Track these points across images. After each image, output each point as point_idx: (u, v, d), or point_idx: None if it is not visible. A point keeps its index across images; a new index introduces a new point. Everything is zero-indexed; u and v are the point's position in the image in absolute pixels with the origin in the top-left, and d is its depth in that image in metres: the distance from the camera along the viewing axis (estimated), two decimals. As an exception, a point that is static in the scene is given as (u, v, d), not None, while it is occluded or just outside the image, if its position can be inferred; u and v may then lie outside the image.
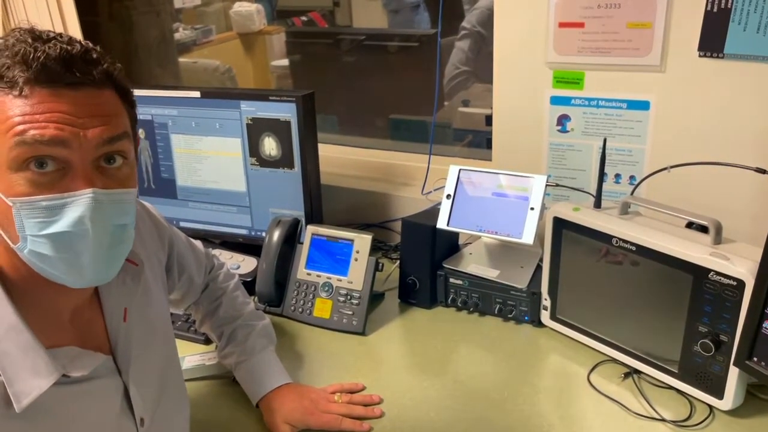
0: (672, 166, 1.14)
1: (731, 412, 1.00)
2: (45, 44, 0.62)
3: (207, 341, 1.25)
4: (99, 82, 0.65)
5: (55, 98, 0.62)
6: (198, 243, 1.16)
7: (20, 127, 0.61)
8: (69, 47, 0.63)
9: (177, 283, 1.06)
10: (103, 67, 0.66)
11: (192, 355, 1.17)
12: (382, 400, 1.08)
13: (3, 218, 0.64)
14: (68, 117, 0.62)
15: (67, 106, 0.62)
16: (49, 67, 0.61)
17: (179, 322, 1.27)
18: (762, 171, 1.05)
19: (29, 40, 0.62)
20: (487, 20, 1.95)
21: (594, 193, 1.15)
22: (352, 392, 1.09)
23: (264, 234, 1.37)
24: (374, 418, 1.04)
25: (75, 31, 1.93)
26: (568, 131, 1.35)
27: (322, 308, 1.29)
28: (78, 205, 0.63)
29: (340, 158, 1.76)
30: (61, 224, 0.63)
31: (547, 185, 1.21)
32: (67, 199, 0.63)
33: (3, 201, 0.63)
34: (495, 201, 1.25)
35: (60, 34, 0.65)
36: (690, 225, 1.06)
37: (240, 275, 1.40)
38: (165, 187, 1.53)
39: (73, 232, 0.63)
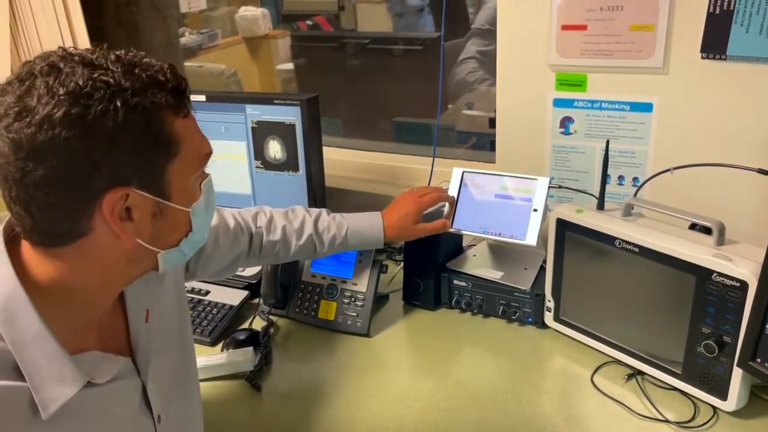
0: (675, 168, 1.14)
1: (735, 413, 1.00)
2: (144, 66, 0.66)
3: (213, 343, 1.26)
4: None
5: (193, 116, 0.72)
6: (227, 215, 1.12)
7: (205, 147, 0.73)
8: (162, 65, 0.69)
9: (199, 270, 1.07)
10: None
11: (199, 357, 1.18)
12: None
13: (168, 229, 0.71)
14: None
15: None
16: (179, 87, 0.68)
17: (185, 324, 1.28)
18: (765, 172, 1.05)
19: (164, 67, 0.67)
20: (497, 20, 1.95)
21: (597, 194, 1.15)
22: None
23: (269, 236, 1.38)
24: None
25: (82, 36, 1.94)
26: (571, 133, 1.35)
27: (327, 310, 1.29)
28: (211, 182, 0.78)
29: (345, 161, 1.76)
30: (214, 198, 0.79)
31: (550, 187, 1.22)
32: (209, 182, 0.77)
33: (179, 211, 0.71)
34: (498, 203, 1.25)
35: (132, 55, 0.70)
36: (693, 226, 1.06)
37: (245, 277, 1.41)
38: (171, 190, 1.54)
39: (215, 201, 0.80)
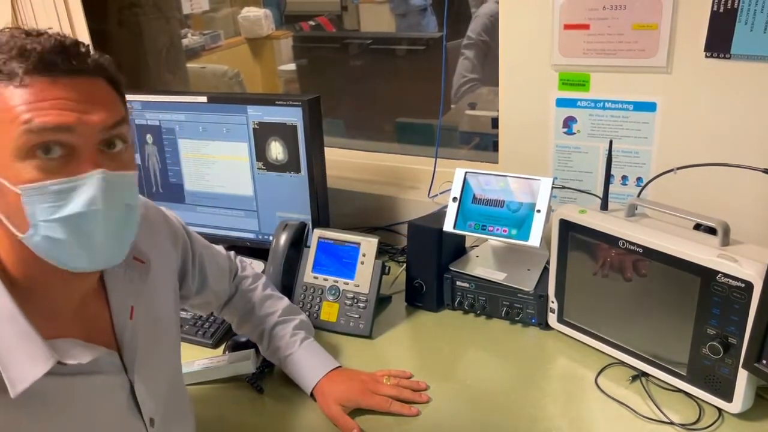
0: (679, 168, 1.13)
1: (740, 415, 0.99)
2: (39, 37, 0.65)
3: (215, 345, 1.26)
4: (93, 71, 0.68)
5: (54, 86, 0.64)
6: (220, 248, 1.17)
7: (25, 116, 0.62)
8: (62, 39, 0.66)
9: (196, 290, 1.07)
10: (95, 57, 0.69)
11: (201, 359, 1.18)
12: (428, 386, 1.10)
13: (10, 209, 0.65)
14: (69, 103, 0.64)
15: (67, 93, 0.64)
16: (46, 57, 0.64)
17: (187, 326, 1.28)
18: (770, 172, 1.04)
19: (23, 36, 0.65)
20: (492, 28, 1.95)
21: (600, 195, 1.15)
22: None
23: (271, 238, 1.37)
24: (421, 403, 1.06)
25: (84, 38, 1.95)
26: (574, 133, 1.35)
27: (329, 311, 1.29)
28: (89, 186, 0.65)
29: (347, 162, 1.76)
30: (73, 206, 0.64)
31: (553, 187, 1.21)
32: (77, 182, 0.64)
33: (11, 190, 0.64)
34: (501, 203, 1.24)
35: (49, 29, 0.68)
36: (697, 227, 1.05)
37: (247, 279, 1.41)
38: (173, 191, 1.54)
39: (86, 212, 0.64)
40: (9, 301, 0.66)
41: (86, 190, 0.64)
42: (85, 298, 0.76)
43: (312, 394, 1.08)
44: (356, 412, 1.05)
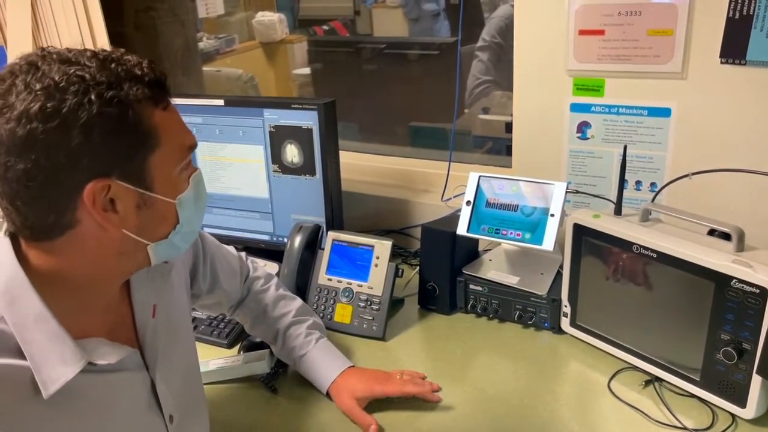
0: (693, 173, 1.14)
1: (754, 421, 0.99)
2: (140, 64, 0.70)
3: (230, 345, 1.27)
4: None
5: (175, 109, 0.73)
6: (231, 249, 1.18)
7: (186, 139, 0.74)
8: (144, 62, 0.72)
9: (207, 288, 1.08)
10: None
11: (216, 359, 1.19)
12: (440, 388, 1.11)
13: (157, 221, 0.72)
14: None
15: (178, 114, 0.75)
16: (164, 81, 0.71)
17: (203, 326, 1.29)
18: (785, 178, 1.04)
19: (141, 61, 0.70)
20: (506, 30, 1.95)
21: (614, 200, 1.15)
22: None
23: (286, 240, 1.39)
24: (434, 403, 1.08)
25: (102, 40, 1.97)
26: (588, 138, 1.35)
27: (343, 313, 1.30)
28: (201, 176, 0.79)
29: (361, 165, 1.77)
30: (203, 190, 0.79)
31: (567, 192, 1.22)
32: (199, 174, 0.78)
33: (166, 202, 0.72)
34: (514, 207, 1.25)
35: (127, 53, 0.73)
36: (712, 232, 1.05)
37: (262, 280, 1.42)
38: (189, 193, 1.55)
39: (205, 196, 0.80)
40: (39, 301, 0.67)
41: (202, 183, 0.78)
42: (111, 298, 0.78)
43: (327, 393, 1.09)
44: (371, 409, 1.06)
